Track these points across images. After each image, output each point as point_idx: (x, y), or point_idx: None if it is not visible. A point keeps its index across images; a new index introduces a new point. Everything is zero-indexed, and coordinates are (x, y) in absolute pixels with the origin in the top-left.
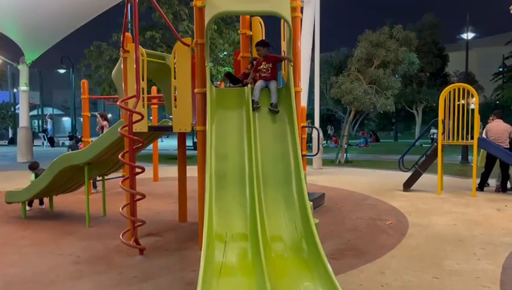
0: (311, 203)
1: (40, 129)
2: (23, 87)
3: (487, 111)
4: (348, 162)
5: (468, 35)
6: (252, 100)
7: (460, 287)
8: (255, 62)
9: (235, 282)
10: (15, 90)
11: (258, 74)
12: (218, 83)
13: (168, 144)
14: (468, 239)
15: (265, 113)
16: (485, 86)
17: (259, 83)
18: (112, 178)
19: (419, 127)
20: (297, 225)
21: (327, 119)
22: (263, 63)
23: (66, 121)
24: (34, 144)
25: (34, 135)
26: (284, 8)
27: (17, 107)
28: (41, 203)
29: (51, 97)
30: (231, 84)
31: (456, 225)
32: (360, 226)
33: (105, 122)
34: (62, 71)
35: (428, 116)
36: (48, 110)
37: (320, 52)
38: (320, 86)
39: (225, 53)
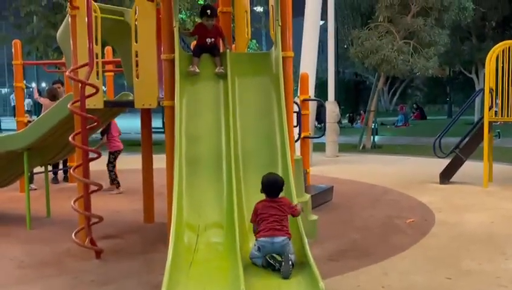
0: (309, 197)
1: None
2: None
3: None
4: (376, 148)
5: None
6: None
7: (474, 287)
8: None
9: (206, 279)
10: None
11: None
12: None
13: (130, 124)
14: (501, 238)
15: (246, 85)
16: None
17: None
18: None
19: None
20: None
21: (354, 87)
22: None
23: None
24: None
25: None
26: None
27: None
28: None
29: None
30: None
31: (493, 222)
32: (372, 225)
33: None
34: None
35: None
36: None
37: None
38: (342, 40)
39: None
